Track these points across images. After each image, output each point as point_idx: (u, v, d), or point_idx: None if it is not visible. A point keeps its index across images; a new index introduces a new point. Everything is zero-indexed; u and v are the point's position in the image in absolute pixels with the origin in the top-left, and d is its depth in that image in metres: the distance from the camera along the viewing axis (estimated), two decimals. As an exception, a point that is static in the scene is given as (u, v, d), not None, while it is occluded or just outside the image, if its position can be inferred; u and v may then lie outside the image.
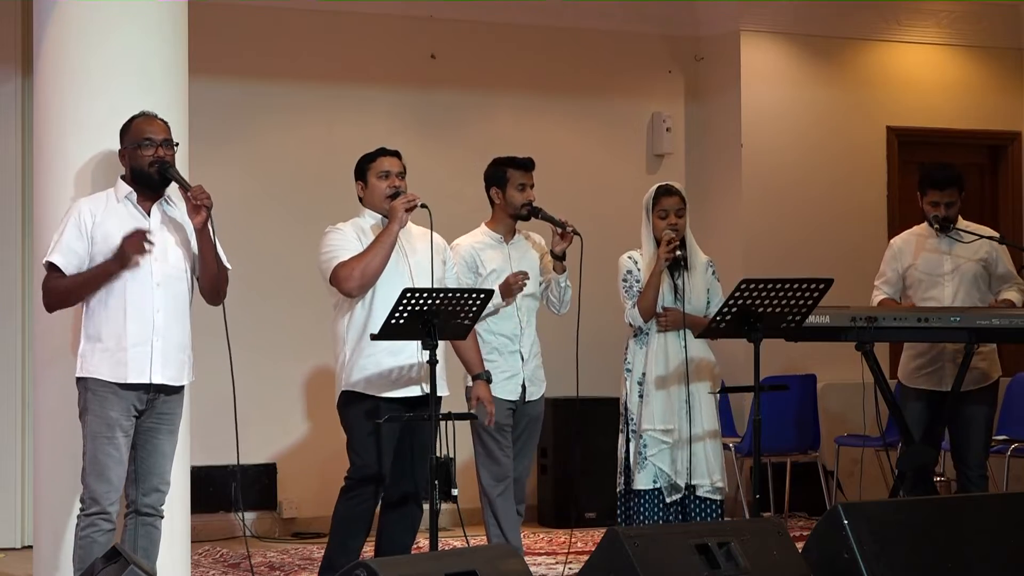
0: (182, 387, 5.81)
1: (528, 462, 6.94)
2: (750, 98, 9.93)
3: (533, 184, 6.88)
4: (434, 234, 6.30)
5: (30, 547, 7.27)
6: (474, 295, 6.02)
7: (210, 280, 5.79)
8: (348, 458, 6.32)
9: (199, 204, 5.64)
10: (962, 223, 7.47)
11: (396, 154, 6.40)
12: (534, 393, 6.86)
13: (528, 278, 6.75)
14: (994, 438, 8.36)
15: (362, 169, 6.39)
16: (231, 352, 5.78)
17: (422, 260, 6.25)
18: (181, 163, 6.50)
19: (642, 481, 6.93)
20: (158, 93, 6.21)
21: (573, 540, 8.31)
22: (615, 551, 4.87)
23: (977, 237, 7.43)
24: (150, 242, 5.62)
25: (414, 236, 6.34)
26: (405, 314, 5.85)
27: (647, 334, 6.98)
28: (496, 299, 6.66)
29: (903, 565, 5.20)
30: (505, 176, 6.85)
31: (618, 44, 9.93)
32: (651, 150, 10.03)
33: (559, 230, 6.74)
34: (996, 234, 7.53)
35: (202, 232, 5.71)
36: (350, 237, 6.25)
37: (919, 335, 7.13)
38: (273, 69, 9.13)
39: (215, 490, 8.73)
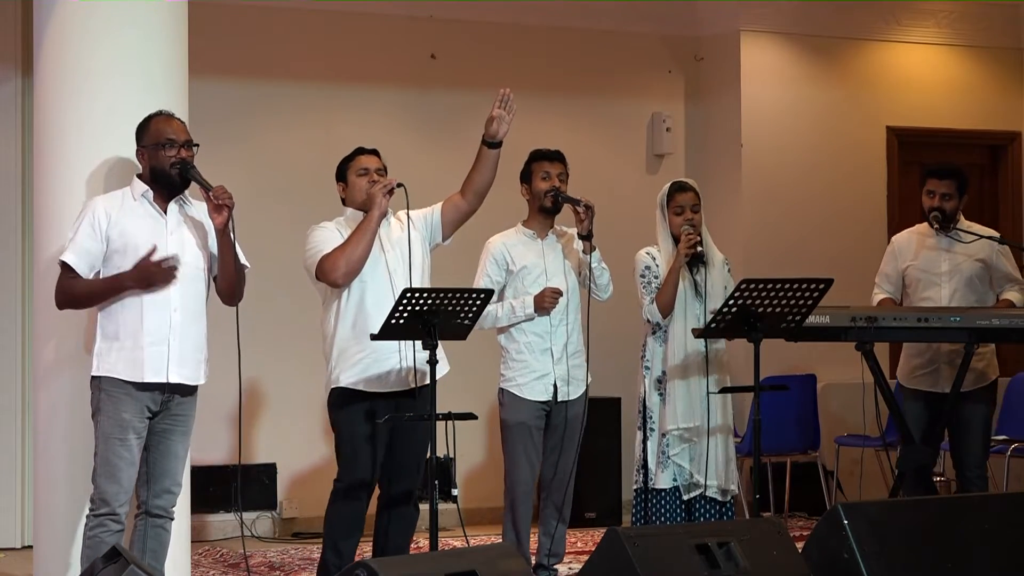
0: (196, 388, 5.76)
1: (568, 464, 6.83)
2: (750, 98, 9.93)
3: (561, 173, 6.86)
4: (410, 211, 6.26)
5: (30, 547, 7.27)
6: (474, 295, 6.02)
7: (228, 280, 5.76)
8: (336, 460, 6.31)
9: (221, 204, 5.63)
10: (963, 223, 7.46)
11: (375, 152, 6.41)
12: (569, 393, 6.80)
13: (560, 294, 6.73)
14: (994, 438, 8.34)
15: (342, 170, 6.42)
16: (240, 353, 5.78)
17: (403, 252, 6.23)
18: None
19: (663, 480, 6.93)
20: (158, 93, 6.21)
21: (573, 540, 8.31)
22: (615, 551, 4.87)
23: (977, 237, 7.42)
24: (175, 268, 5.59)
25: (392, 228, 6.31)
26: (405, 314, 5.86)
27: (665, 330, 6.97)
28: (530, 310, 6.70)
29: (903, 565, 5.20)
30: (530, 169, 6.90)
31: (618, 44, 9.93)
32: (651, 150, 10.03)
33: (579, 210, 6.70)
34: (996, 234, 7.52)
35: (223, 232, 5.68)
36: (333, 233, 6.26)
37: (919, 335, 7.12)
38: (273, 69, 9.13)
39: (215, 490, 8.72)
